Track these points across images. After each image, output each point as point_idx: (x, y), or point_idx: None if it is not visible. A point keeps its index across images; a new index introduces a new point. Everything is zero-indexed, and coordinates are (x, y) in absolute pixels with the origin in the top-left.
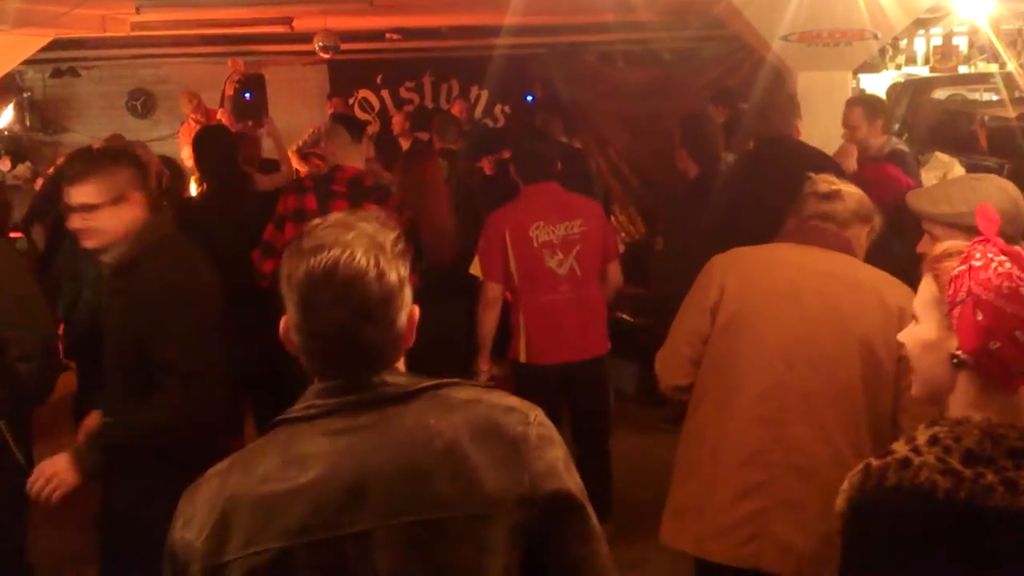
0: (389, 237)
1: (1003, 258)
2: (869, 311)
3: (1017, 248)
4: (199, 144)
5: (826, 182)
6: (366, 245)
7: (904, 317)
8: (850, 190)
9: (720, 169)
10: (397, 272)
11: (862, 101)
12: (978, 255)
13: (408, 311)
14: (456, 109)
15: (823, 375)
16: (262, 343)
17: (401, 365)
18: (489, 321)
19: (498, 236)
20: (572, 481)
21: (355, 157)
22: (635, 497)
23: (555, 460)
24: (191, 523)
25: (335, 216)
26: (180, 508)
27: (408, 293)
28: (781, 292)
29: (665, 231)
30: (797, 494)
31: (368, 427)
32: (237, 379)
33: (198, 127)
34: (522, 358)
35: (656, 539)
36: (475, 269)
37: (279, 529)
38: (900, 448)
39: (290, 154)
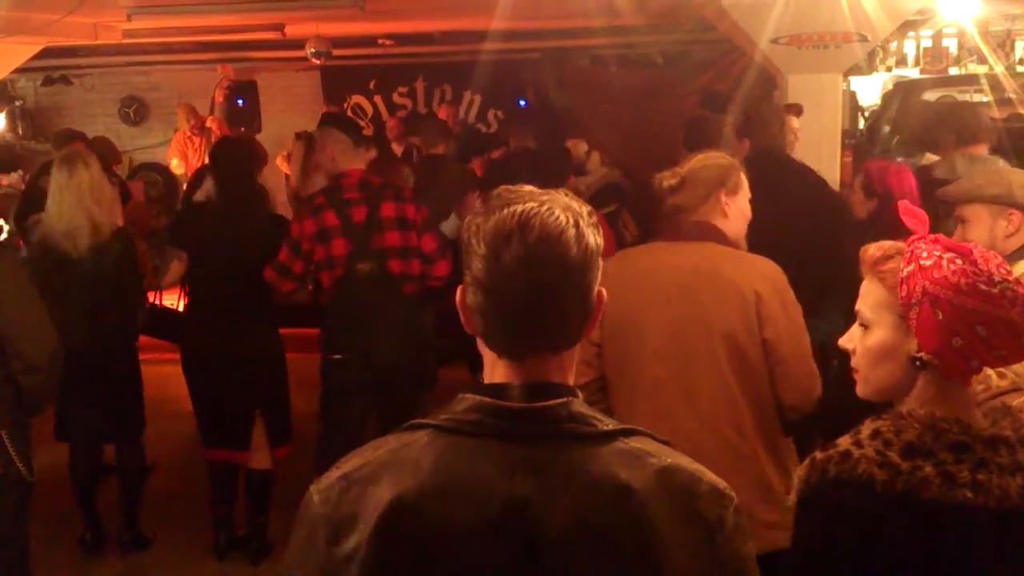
0: (584, 207)
1: (952, 254)
2: (728, 303)
3: (962, 243)
4: (215, 153)
5: (670, 175)
6: (563, 206)
7: (761, 298)
8: (693, 170)
9: None
10: (595, 239)
11: None
12: (925, 253)
13: (599, 289)
14: (443, 113)
15: (695, 371)
16: (271, 358)
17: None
18: None
19: None
20: None
21: (357, 160)
22: None
23: (748, 558)
24: (347, 523)
25: (524, 187)
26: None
27: (601, 268)
28: (654, 294)
29: None
30: None
31: (546, 468)
32: (245, 393)
33: (192, 137)
34: None
35: None
36: None
37: (434, 569)
38: (844, 441)
39: (280, 160)
